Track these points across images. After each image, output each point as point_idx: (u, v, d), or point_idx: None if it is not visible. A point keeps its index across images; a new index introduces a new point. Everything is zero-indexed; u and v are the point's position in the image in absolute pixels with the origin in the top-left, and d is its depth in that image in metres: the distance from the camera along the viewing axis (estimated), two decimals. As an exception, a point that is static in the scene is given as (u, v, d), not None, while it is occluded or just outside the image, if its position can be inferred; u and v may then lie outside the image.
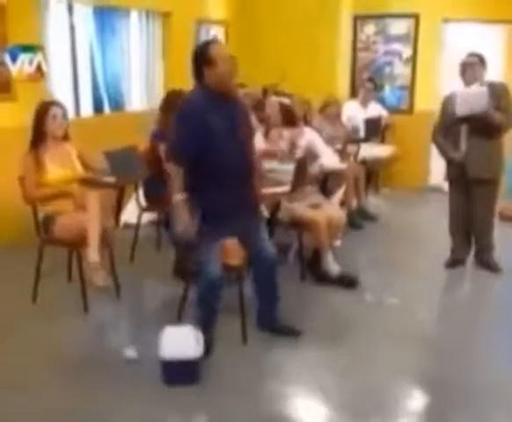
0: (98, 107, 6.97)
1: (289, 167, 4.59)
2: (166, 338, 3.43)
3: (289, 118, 4.94)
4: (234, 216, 3.52)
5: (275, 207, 4.49)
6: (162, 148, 5.10)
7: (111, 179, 4.25)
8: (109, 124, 6.66)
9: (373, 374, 3.60)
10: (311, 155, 4.90)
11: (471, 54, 5.02)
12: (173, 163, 3.52)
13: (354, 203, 6.43)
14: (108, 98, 7.11)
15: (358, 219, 6.36)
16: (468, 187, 5.02)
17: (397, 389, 3.51)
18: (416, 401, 3.44)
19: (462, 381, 3.53)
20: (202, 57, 3.43)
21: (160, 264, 5.14)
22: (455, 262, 5.25)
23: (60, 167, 4.20)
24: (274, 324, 3.95)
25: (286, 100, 5.17)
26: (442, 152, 5.14)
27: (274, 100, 5.10)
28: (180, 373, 3.35)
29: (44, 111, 4.19)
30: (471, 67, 4.90)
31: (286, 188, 4.40)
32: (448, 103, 5.05)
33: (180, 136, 3.49)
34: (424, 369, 3.70)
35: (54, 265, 4.59)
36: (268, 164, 4.24)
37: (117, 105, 7.19)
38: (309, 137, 5.00)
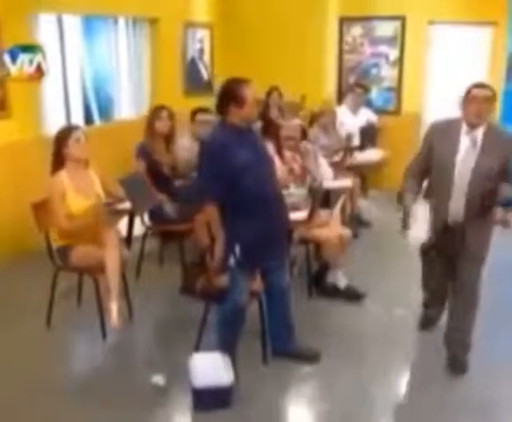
0: (88, 117, 6.87)
1: (303, 191, 4.65)
2: (197, 365, 3.48)
3: (302, 139, 4.95)
4: (268, 245, 3.57)
5: (291, 230, 4.51)
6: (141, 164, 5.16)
7: (126, 206, 4.20)
8: (102, 134, 6.58)
9: (390, 389, 3.71)
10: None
11: (481, 86, 3.64)
12: (202, 201, 3.55)
13: (348, 211, 6.47)
14: (98, 108, 7.03)
15: (353, 227, 6.38)
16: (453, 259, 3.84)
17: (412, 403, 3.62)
18: (431, 411, 3.52)
19: (473, 395, 3.64)
20: (231, 95, 3.45)
21: (165, 280, 5.13)
22: (427, 321, 4.40)
23: (83, 197, 4.12)
24: (290, 350, 3.95)
25: (299, 121, 5.16)
26: (400, 199, 3.89)
27: (297, 123, 5.06)
28: (213, 400, 3.40)
29: (67, 134, 4.15)
30: (481, 104, 3.55)
31: (303, 215, 4.43)
32: (433, 135, 3.79)
33: (207, 175, 3.51)
34: (438, 382, 3.78)
35: (63, 282, 4.46)
36: (285, 189, 4.26)
37: (107, 114, 7.10)
38: (313, 160, 5.02)
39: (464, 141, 3.60)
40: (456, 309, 3.88)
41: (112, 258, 3.96)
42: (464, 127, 3.61)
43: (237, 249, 3.45)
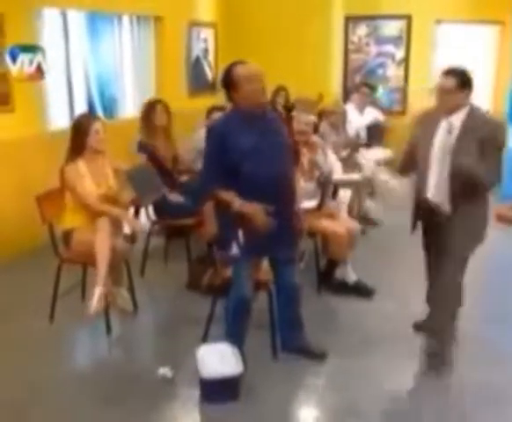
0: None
1: (311, 185, 4.61)
2: (204, 356, 3.42)
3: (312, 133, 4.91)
4: (272, 232, 3.40)
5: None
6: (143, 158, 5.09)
7: (131, 197, 4.14)
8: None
9: (400, 386, 3.63)
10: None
11: (446, 73, 3.53)
12: (209, 190, 3.51)
13: (356, 208, 6.40)
14: (102, 105, 6.97)
15: (361, 224, 6.30)
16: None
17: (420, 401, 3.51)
18: (440, 406, 3.45)
19: (482, 388, 3.56)
20: (227, 81, 3.40)
21: (171, 276, 5.09)
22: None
23: (95, 186, 4.09)
24: (299, 347, 3.87)
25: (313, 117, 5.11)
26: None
27: (310, 119, 5.00)
28: (221, 390, 3.33)
29: (87, 125, 4.10)
30: (441, 94, 3.52)
31: (312, 203, 4.35)
32: (417, 122, 3.82)
33: (207, 158, 3.50)
34: (448, 378, 3.71)
35: (66, 279, 4.39)
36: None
37: (111, 112, 7.04)
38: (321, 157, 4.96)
39: (443, 126, 3.56)
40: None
41: (99, 241, 3.91)
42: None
43: (240, 234, 3.39)
